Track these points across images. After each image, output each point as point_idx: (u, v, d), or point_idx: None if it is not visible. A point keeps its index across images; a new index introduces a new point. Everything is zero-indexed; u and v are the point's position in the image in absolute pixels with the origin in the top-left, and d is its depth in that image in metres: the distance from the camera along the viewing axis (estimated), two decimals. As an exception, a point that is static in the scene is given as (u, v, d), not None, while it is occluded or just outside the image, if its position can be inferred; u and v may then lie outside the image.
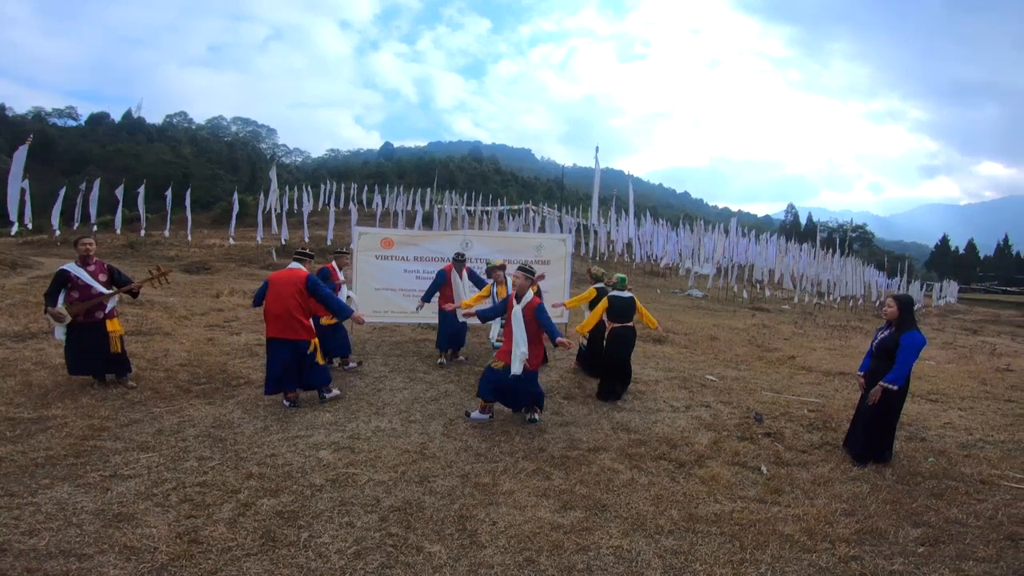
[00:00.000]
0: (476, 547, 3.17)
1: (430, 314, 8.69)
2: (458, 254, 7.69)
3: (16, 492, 3.47)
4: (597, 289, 7.22)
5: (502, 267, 7.33)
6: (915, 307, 4.76)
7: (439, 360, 7.63)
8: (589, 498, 3.82)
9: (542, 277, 7.72)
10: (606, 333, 6.54)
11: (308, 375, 5.49)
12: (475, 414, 5.32)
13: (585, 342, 7.56)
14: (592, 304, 7.04)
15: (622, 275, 6.79)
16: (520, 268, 5.33)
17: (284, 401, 5.41)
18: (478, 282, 7.78)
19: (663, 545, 3.28)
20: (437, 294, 7.62)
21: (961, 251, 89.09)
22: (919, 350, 4.49)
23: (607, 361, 6.38)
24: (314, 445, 4.50)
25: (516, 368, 4.97)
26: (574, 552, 3.16)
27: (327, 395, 5.67)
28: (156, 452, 4.20)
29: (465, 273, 7.68)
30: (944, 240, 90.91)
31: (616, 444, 4.86)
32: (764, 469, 4.46)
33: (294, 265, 5.55)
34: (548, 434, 5.04)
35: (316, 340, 5.51)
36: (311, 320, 5.51)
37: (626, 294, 6.42)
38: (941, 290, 45.48)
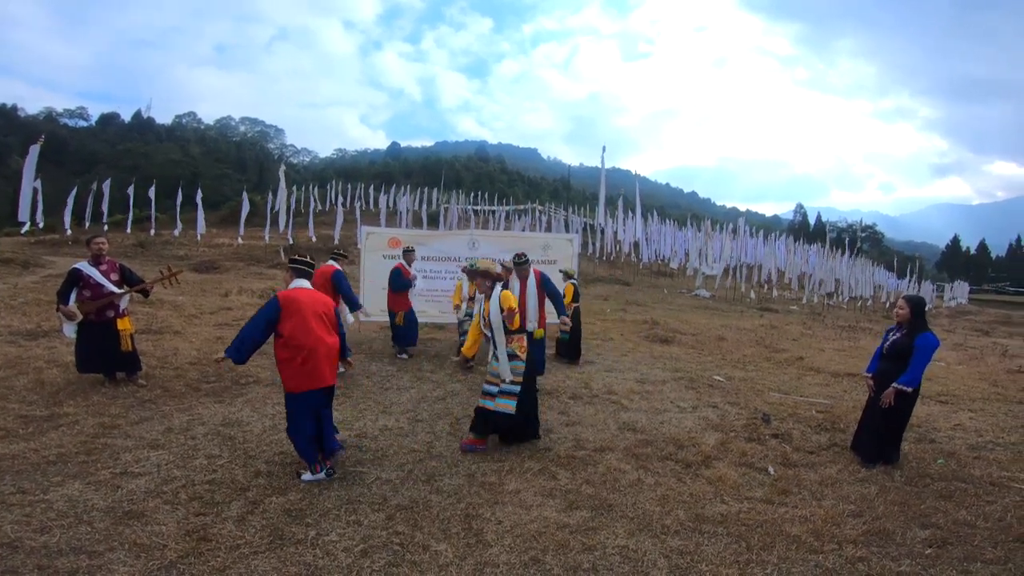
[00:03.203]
0: (482, 546, 3.18)
1: (437, 314, 8.70)
2: (519, 255, 6.42)
3: (28, 489, 3.51)
4: (573, 284, 8.28)
5: (486, 274, 4.80)
6: (927, 308, 4.73)
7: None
8: (595, 498, 3.82)
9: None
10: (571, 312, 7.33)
11: None
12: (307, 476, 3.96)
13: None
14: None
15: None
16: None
17: None
18: (551, 292, 6.45)
19: (669, 545, 3.27)
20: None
21: (973, 251, 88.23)
22: (933, 352, 4.47)
23: (573, 332, 7.77)
24: (321, 444, 4.52)
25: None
26: (580, 551, 3.17)
27: None
28: (166, 450, 4.25)
29: (532, 278, 6.31)
30: (955, 240, 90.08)
31: (622, 444, 4.85)
32: (771, 470, 4.44)
33: (329, 262, 7.01)
34: (554, 434, 5.04)
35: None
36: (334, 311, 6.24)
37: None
38: (952, 291, 45.08)
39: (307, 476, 3.91)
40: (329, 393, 4.13)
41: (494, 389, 4.56)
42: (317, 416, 4.00)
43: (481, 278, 4.80)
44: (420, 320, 8.59)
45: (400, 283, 7.76)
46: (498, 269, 4.93)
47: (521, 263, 6.29)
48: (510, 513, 3.56)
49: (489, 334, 4.66)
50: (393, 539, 3.20)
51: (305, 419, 3.95)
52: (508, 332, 4.58)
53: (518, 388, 4.54)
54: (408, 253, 8.12)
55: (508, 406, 4.50)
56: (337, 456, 4.21)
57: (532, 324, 5.96)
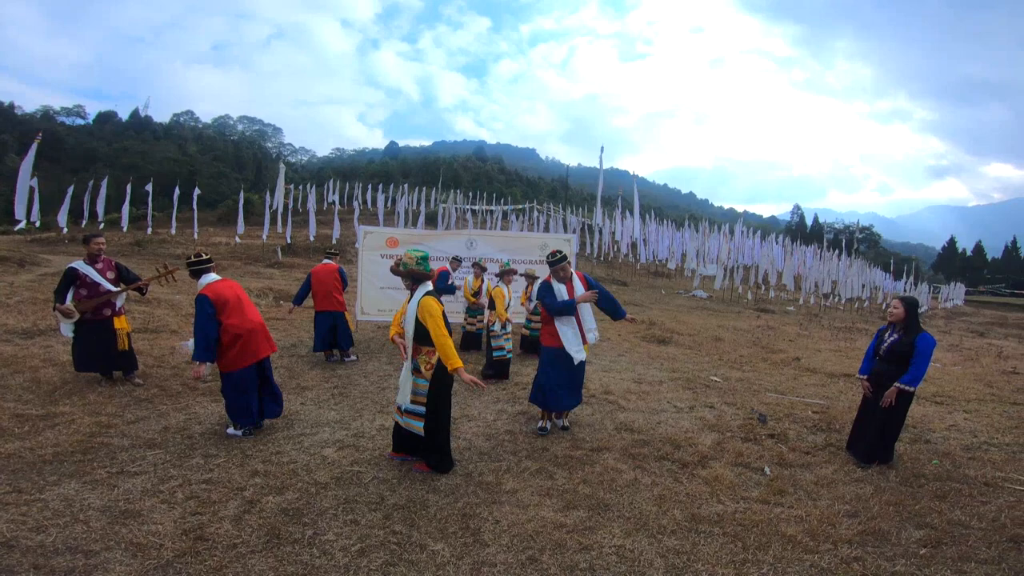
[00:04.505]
0: (479, 545, 3.19)
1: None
2: (553, 253, 5.01)
3: (24, 488, 3.51)
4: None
5: (403, 272, 4.11)
6: (921, 309, 4.79)
7: (540, 424, 5.15)
8: (592, 498, 3.83)
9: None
10: None
11: (341, 337, 7.40)
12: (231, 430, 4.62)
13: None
14: None
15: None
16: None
17: (328, 359, 7.40)
18: (609, 303, 5.10)
19: (665, 545, 3.29)
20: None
21: (969, 253, 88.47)
22: (933, 351, 4.53)
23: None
24: (319, 443, 4.53)
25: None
26: (577, 551, 3.17)
27: (347, 359, 7.40)
28: (163, 449, 4.24)
29: (578, 281, 5.06)
30: (951, 242, 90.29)
31: (619, 444, 4.86)
32: (767, 470, 4.46)
33: (327, 260, 7.71)
34: (551, 434, 5.04)
35: (348, 313, 7.51)
36: (343, 296, 7.55)
37: None
38: (948, 292, 45.22)
39: (231, 431, 4.60)
40: (265, 361, 4.80)
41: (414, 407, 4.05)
42: (260, 376, 4.72)
43: (401, 275, 4.09)
44: None
45: (447, 287, 8.21)
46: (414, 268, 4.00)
47: (556, 261, 4.94)
48: (507, 513, 3.57)
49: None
50: (390, 538, 3.20)
51: (249, 392, 4.58)
52: (420, 342, 3.97)
53: (423, 409, 3.99)
54: (454, 261, 8.81)
55: (415, 427, 4.02)
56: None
57: (593, 335, 5.02)
